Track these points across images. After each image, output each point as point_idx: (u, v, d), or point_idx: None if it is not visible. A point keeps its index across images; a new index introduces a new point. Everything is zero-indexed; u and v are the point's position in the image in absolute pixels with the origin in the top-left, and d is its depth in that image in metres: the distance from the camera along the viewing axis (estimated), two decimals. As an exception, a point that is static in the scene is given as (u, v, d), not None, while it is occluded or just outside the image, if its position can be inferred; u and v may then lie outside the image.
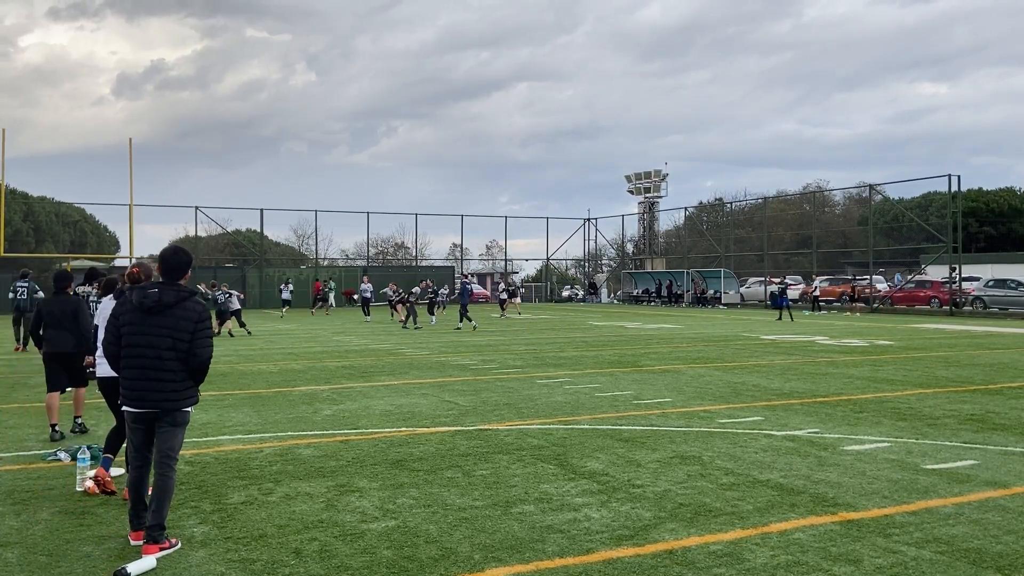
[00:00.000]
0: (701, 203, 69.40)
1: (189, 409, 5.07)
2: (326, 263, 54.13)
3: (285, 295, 36.52)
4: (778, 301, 31.98)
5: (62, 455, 7.32)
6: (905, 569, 4.53)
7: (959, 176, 37.90)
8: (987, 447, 7.71)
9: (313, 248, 55.63)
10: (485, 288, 57.35)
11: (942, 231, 38.45)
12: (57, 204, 51.64)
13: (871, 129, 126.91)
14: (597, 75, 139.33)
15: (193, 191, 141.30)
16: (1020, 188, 60.19)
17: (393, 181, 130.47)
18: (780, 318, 30.92)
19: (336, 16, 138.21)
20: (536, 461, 7.15)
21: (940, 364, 15.17)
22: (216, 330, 23.30)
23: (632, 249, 61.95)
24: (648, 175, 58.41)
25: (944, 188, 39.76)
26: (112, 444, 6.41)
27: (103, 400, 6.88)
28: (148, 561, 4.57)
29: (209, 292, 25.26)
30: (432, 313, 29.98)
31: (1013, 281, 35.75)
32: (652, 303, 50.26)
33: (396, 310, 32.09)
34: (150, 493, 5.01)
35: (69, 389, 8.82)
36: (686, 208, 57.60)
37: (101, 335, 6.22)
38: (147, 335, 4.94)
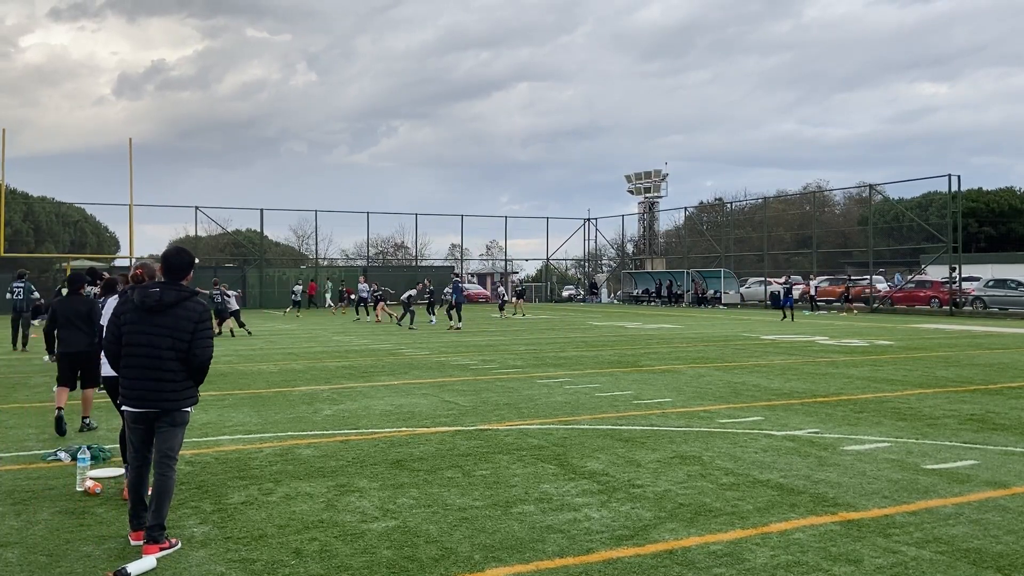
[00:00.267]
0: (701, 203, 69.46)
1: (189, 409, 5.07)
2: (326, 263, 54.12)
3: (297, 296, 36.86)
4: (783, 301, 31.82)
5: (62, 455, 7.32)
6: (905, 569, 4.53)
7: (959, 176, 37.90)
8: (987, 447, 7.71)
9: (313, 248, 55.66)
10: (485, 288, 57.34)
11: (942, 231, 38.44)
12: (57, 204, 51.62)
13: (871, 129, 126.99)
14: (597, 75, 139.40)
15: (193, 191, 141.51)
16: (1020, 188, 60.22)
17: (393, 181, 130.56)
18: (785, 317, 30.77)
19: (337, 16, 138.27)
20: (536, 461, 7.15)
21: (940, 364, 15.17)
22: (216, 330, 23.34)
23: (632, 249, 61.95)
24: (648, 175, 58.41)
25: (944, 188, 39.77)
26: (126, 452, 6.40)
27: (107, 400, 6.88)
28: (148, 561, 4.57)
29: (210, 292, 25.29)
30: (432, 313, 29.98)
31: (1013, 281, 35.74)
32: (652, 303, 50.26)
33: (369, 310, 32.05)
34: (150, 493, 5.02)
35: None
36: (686, 208, 57.65)
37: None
38: (147, 334, 4.94)
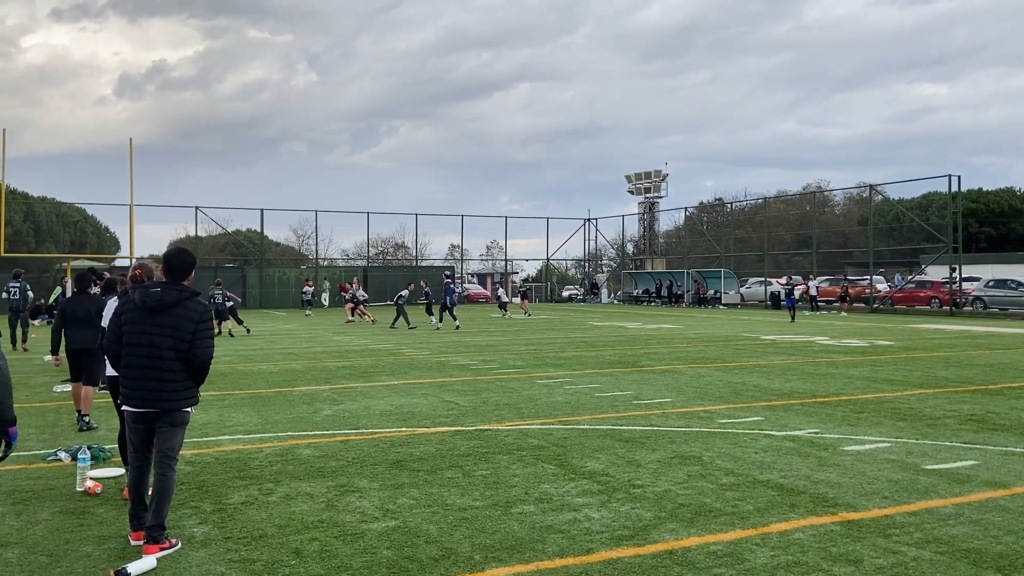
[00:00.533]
0: (701, 203, 69.43)
1: (189, 409, 5.08)
2: (326, 263, 54.11)
3: (307, 296, 37.03)
4: (786, 301, 31.67)
5: (62, 455, 7.32)
6: (905, 569, 4.53)
7: (959, 176, 37.87)
8: (987, 447, 7.71)
9: (313, 248, 55.66)
10: (485, 288, 57.34)
11: (942, 231, 38.43)
12: (57, 204, 51.63)
13: (871, 129, 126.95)
14: (597, 75, 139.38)
15: (194, 191, 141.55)
16: (1020, 188, 60.21)
17: (394, 181, 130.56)
18: (793, 319, 30.60)
19: (337, 17, 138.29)
20: (536, 461, 7.15)
21: (940, 364, 15.17)
22: (216, 329, 23.38)
23: (632, 249, 61.94)
24: (648, 175, 58.40)
25: (944, 188, 39.74)
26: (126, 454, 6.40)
27: (107, 400, 6.88)
28: (148, 561, 4.57)
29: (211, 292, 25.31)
30: (430, 313, 29.97)
31: (1013, 281, 35.72)
32: (652, 303, 50.25)
33: (348, 309, 31.96)
34: (150, 493, 5.02)
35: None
36: (686, 208, 57.67)
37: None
38: (148, 334, 4.94)
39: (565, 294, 60.69)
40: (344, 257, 60.20)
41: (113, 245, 56.52)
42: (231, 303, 24.48)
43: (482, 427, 8.82)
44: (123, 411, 5.14)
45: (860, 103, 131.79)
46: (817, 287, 39.93)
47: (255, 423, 9.10)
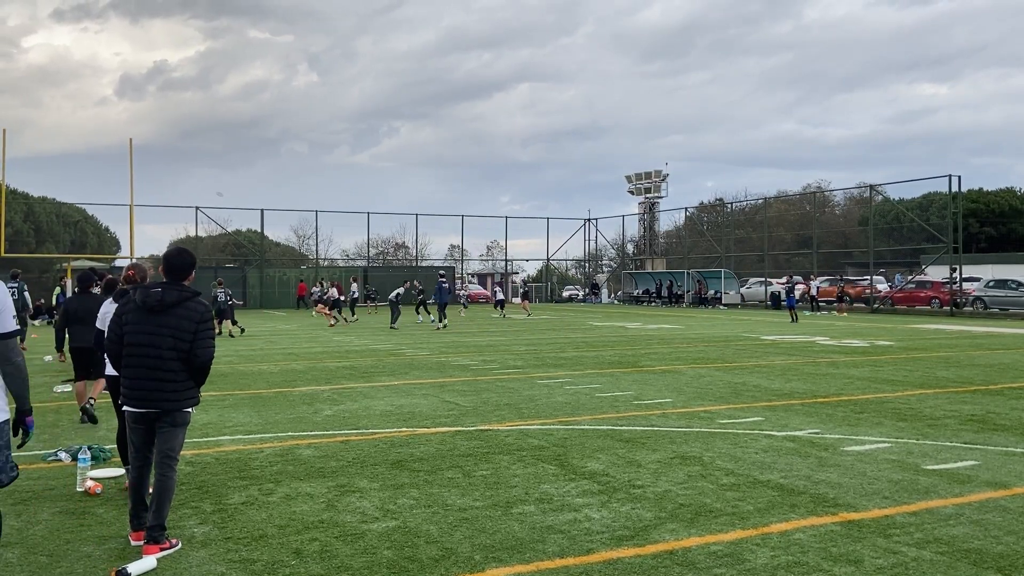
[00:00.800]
0: (701, 203, 69.45)
1: (190, 410, 5.07)
2: (326, 263, 54.11)
3: (316, 296, 37.12)
4: (787, 301, 31.54)
5: (62, 455, 7.32)
6: (906, 570, 4.52)
7: (959, 176, 37.85)
8: (988, 448, 7.71)
9: (313, 248, 55.67)
10: (486, 288, 57.33)
11: (942, 231, 38.42)
12: (58, 204, 51.63)
13: (871, 129, 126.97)
14: (598, 76, 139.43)
15: (194, 191, 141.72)
16: (1020, 188, 60.23)
17: (394, 181, 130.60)
18: (794, 319, 30.43)
19: (338, 17, 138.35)
20: (536, 461, 7.15)
21: (940, 364, 15.16)
22: (217, 329, 23.41)
23: (632, 249, 61.93)
24: (648, 175, 58.40)
25: (944, 188, 39.74)
26: (126, 454, 6.40)
27: (107, 400, 6.88)
28: (149, 561, 4.57)
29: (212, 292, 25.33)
30: (419, 312, 30.20)
31: (1013, 281, 35.72)
32: (652, 303, 50.25)
33: (319, 309, 31.93)
34: (150, 493, 5.02)
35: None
36: (686, 208, 57.69)
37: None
38: (149, 335, 4.94)
39: (565, 294, 60.70)
40: (344, 257, 60.25)
41: (113, 245, 56.52)
42: (232, 303, 24.49)
43: (482, 427, 8.82)
44: (123, 411, 5.14)
45: (860, 103, 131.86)
46: (817, 287, 39.95)
47: (255, 423, 9.10)
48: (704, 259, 52.88)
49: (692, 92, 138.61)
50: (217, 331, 23.21)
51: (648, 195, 58.63)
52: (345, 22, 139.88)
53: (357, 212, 56.45)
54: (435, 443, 7.96)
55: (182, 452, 5.45)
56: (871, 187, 45.98)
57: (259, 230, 50.11)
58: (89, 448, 6.76)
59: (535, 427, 8.80)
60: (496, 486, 6.31)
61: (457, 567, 4.58)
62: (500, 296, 37.30)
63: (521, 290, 41.40)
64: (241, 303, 24.50)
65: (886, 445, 7.81)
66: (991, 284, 36.82)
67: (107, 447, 7.50)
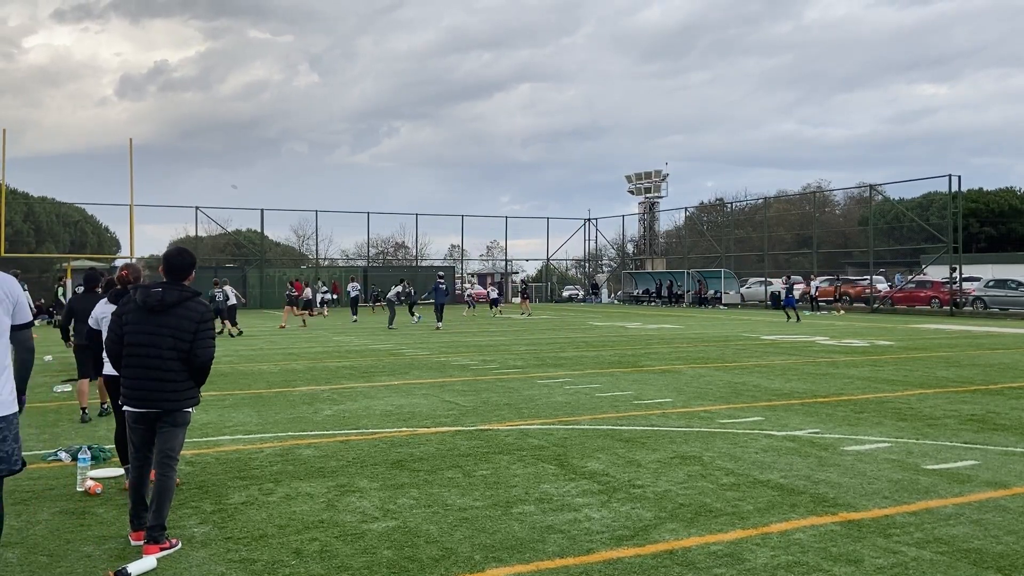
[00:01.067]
0: (702, 203, 69.41)
1: (190, 410, 5.08)
2: (326, 263, 54.11)
3: (328, 295, 37.32)
4: (785, 301, 31.37)
5: (62, 455, 7.32)
6: (906, 569, 4.53)
7: (959, 176, 37.84)
8: (987, 447, 7.71)
9: (313, 248, 55.67)
10: (485, 288, 57.32)
11: (942, 231, 38.42)
12: (58, 204, 51.63)
13: (871, 129, 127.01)
14: (598, 76, 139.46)
15: (194, 191, 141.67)
16: (1020, 188, 60.18)
17: (394, 181, 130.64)
18: (789, 318, 30.30)
19: (339, 17, 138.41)
20: (536, 461, 7.15)
21: (940, 364, 15.16)
22: (221, 328, 23.55)
23: (632, 249, 61.92)
24: (648, 175, 58.38)
25: (944, 188, 39.73)
26: (125, 454, 6.40)
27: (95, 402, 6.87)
28: (149, 561, 4.57)
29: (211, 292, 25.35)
30: (412, 313, 30.32)
31: (1013, 281, 35.71)
32: (652, 303, 50.24)
33: (292, 310, 31.88)
34: (150, 493, 5.02)
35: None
36: (686, 208, 57.62)
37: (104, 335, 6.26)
38: (149, 335, 4.94)
39: (565, 294, 60.67)
40: (344, 257, 60.23)
41: (113, 245, 56.51)
42: (234, 303, 24.52)
43: (482, 427, 8.82)
44: (123, 411, 5.14)
45: (860, 103, 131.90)
46: (817, 287, 39.94)
47: (255, 423, 9.10)
48: (704, 259, 52.87)
49: (692, 92, 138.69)
50: (221, 330, 23.32)
51: (648, 195, 58.61)
52: (345, 22, 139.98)
53: (357, 212, 56.49)
54: (435, 443, 7.96)
55: (182, 452, 5.46)
56: (871, 187, 45.98)
57: (259, 230, 50.13)
58: (89, 448, 6.76)
59: (535, 427, 8.80)
60: (496, 486, 6.32)
61: (457, 567, 4.58)
62: (494, 295, 37.61)
63: (520, 289, 41.51)
64: (244, 302, 24.50)
65: (886, 445, 7.81)
66: (991, 284, 36.82)
67: (107, 447, 7.50)
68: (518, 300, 39.76)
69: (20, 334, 4.21)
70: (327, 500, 5.95)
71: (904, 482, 6.39)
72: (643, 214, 59.57)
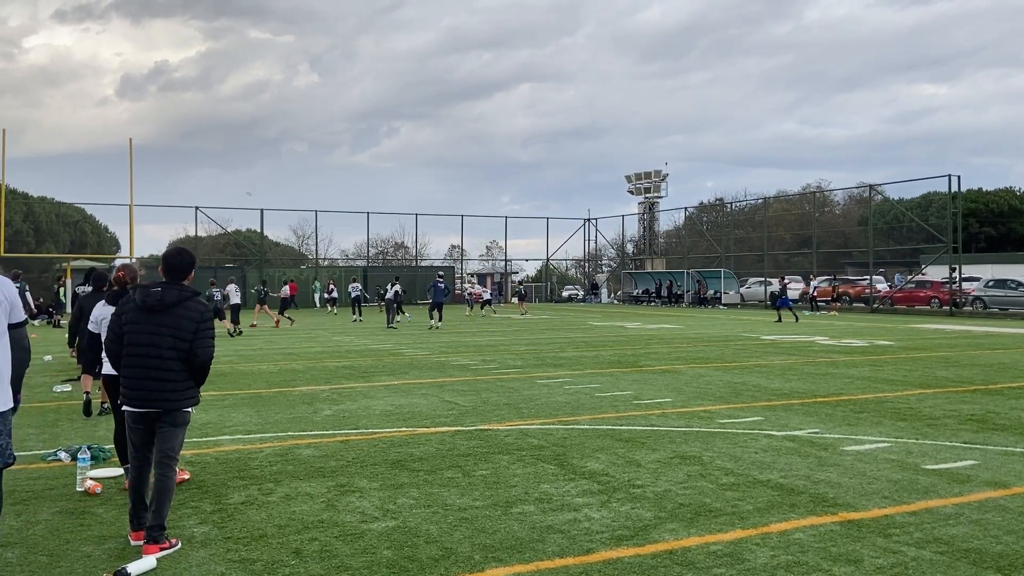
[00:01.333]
0: (701, 203, 69.39)
1: (190, 410, 5.07)
2: (326, 263, 54.10)
3: (336, 295, 37.48)
4: (779, 302, 31.20)
5: (62, 455, 7.32)
6: (905, 569, 4.53)
7: (959, 176, 37.84)
8: (987, 447, 7.71)
9: (313, 248, 55.65)
10: (486, 288, 57.33)
11: (942, 231, 38.42)
12: (57, 204, 51.62)
13: (871, 129, 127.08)
14: (598, 76, 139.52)
15: (194, 191, 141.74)
16: (1020, 188, 60.15)
17: (394, 181, 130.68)
18: (780, 319, 30.24)
19: (339, 18, 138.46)
20: (536, 461, 7.15)
21: (940, 364, 15.16)
22: (233, 327, 23.64)
23: (632, 249, 61.91)
24: (648, 175, 58.37)
25: (944, 188, 39.71)
26: (124, 453, 6.40)
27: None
28: (148, 561, 4.57)
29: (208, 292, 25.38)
30: (401, 311, 30.49)
31: (1013, 281, 35.71)
32: (652, 303, 50.24)
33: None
34: (150, 493, 5.01)
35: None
36: (686, 208, 57.61)
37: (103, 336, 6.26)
38: (149, 334, 4.94)
39: (565, 294, 60.67)
40: (344, 257, 60.23)
41: (113, 245, 56.50)
42: (237, 303, 24.61)
43: (482, 427, 8.82)
44: (123, 411, 5.14)
45: (860, 103, 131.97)
46: (816, 287, 39.93)
47: (255, 423, 9.10)
48: (704, 259, 52.86)
49: (692, 92, 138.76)
50: (233, 330, 23.40)
51: (648, 195, 58.60)
52: (346, 22, 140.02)
53: (357, 212, 56.42)
54: (435, 443, 7.96)
55: (182, 452, 5.46)
56: (871, 187, 45.97)
57: (259, 230, 50.11)
58: (89, 448, 6.76)
59: (535, 427, 8.80)
60: (496, 486, 6.32)
61: (457, 567, 4.58)
62: (487, 296, 37.92)
63: (516, 290, 41.67)
64: (237, 303, 24.49)
65: (886, 445, 7.81)
66: (991, 284, 36.82)
67: (107, 447, 7.50)
68: (516, 301, 39.92)
69: (14, 333, 4.32)
70: (327, 500, 5.95)
71: (904, 482, 6.39)
72: (643, 214, 59.56)
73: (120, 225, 52.65)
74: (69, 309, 31.24)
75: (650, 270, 55.68)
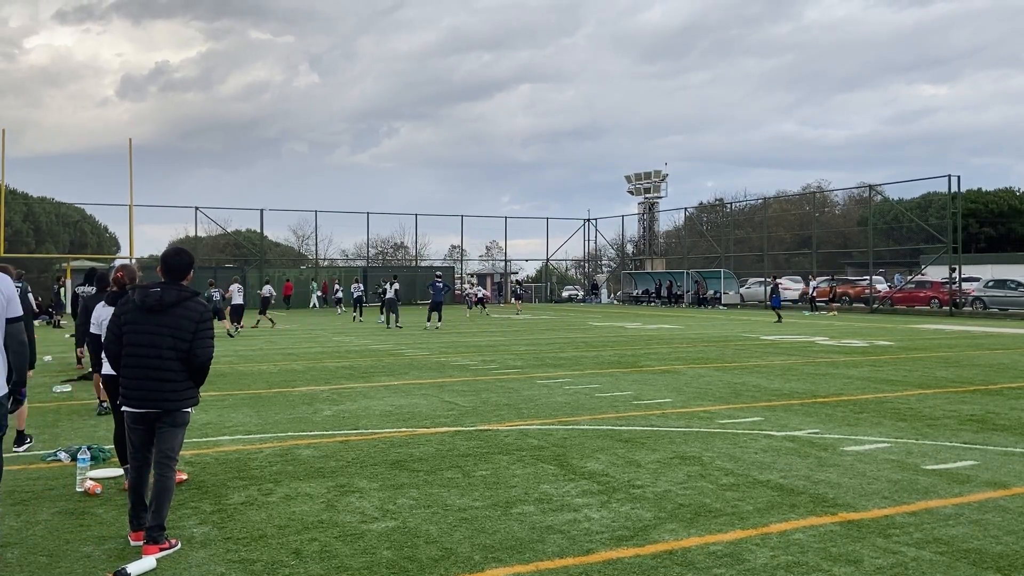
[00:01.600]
0: (701, 203, 69.38)
1: (189, 410, 5.07)
2: (326, 263, 54.10)
3: (341, 295, 37.65)
4: (773, 301, 31.29)
5: (62, 455, 7.32)
6: (905, 570, 4.52)
7: (959, 176, 37.82)
8: (987, 447, 7.71)
9: (313, 248, 55.65)
10: (485, 288, 57.32)
11: (942, 232, 38.42)
12: (57, 204, 51.63)
13: (871, 130, 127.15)
14: (598, 76, 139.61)
15: (194, 191, 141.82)
16: (1020, 188, 60.20)
17: (394, 181, 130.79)
18: (780, 319, 30.36)
19: (339, 18, 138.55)
20: (536, 461, 7.15)
21: (940, 364, 15.16)
22: (240, 324, 23.65)
23: (632, 249, 61.91)
24: (648, 175, 58.39)
25: (944, 188, 39.73)
26: (124, 454, 6.40)
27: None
28: (148, 561, 4.57)
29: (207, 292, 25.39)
30: (382, 312, 30.59)
31: (1013, 281, 35.71)
32: (652, 303, 50.24)
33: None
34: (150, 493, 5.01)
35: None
36: (686, 208, 57.60)
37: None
38: (149, 335, 4.94)
39: (565, 294, 60.67)
40: (344, 257, 60.23)
41: (113, 245, 56.53)
42: (239, 303, 24.62)
43: (482, 427, 8.82)
44: (123, 411, 5.14)
45: (860, 104, 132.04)
46: (815, 287, 39.92)
47: (255, 423, 9.09)
48: (704, 259, 52.86)
49: (692, 92, 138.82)
50: (241, 326, 23.41)
51: (648, 195, 58.62)
52: (346, 23, 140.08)
53: (357, 212, 56.44)
54: (435, 443, 7.95)
55: (181, 452, 5.46)
56: (871, 187, 45.97)
57: (259, 230, 50.11)
58: (88, 448, 6.76)
59: (535, 427, 8.80)
60: (496, 486, 6.31)
61: (457, 567, 4.58)
62: (479, 295, 38.16)
63: (514, 290, 41.82)
64: (240, 303, 24.49)
65: (885, 445, 7.81)
66: (990, 284, 36.82)
67: (106, 447, 7.50)
68: (515, 301, 40.07)
69: (11, 327, 4.43)
70: (327, 500, 5.94)
71: (904, 482, 6.39)
72: (643, 214, 59.56)
73: (120, 225, 52.74)
74: (69, 309, 31.25)
75: (650, 270, 55.68)
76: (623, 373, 13.84)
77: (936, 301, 37.56)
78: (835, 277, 45.52)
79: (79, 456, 6.36)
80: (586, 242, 61.00)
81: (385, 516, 5.55)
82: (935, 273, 40.27)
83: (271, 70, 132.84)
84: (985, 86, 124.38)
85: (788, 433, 8.40)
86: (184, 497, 5.99)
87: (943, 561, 4.65)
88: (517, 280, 51.47)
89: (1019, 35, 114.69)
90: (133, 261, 31.87)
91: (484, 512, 5.62)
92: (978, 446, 7.77)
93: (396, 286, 28.01)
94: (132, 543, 4.97)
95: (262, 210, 47.46)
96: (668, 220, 75.56)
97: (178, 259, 5.15)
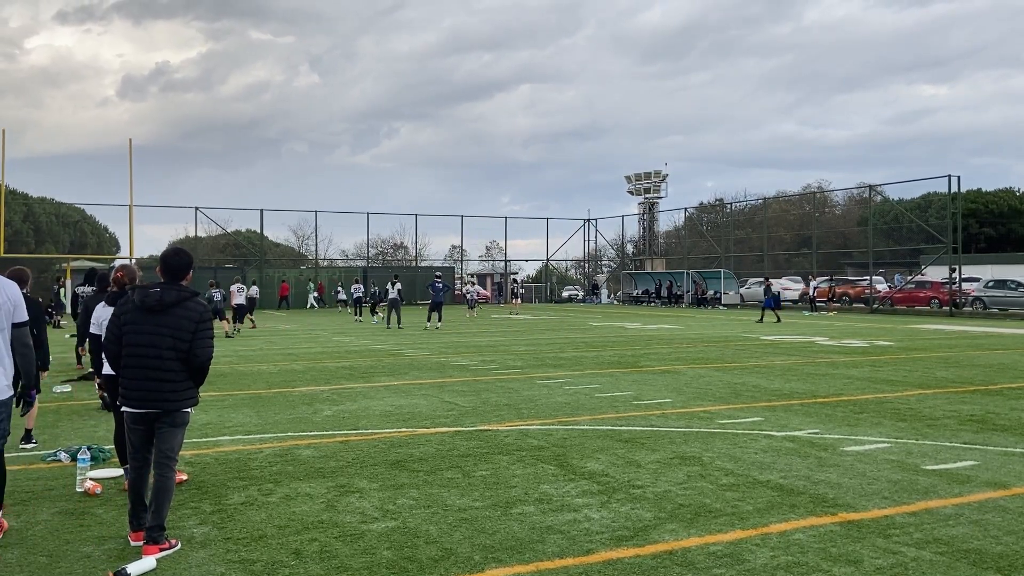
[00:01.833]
0: (701, 204, 69.39)
1: (189, 410, 5.07)
2: (326, 264, 54.10)
3: (358, 294, 37.68)
4: (765, 302, 31.17)
5: (62, 455, 7.32)
6: (905, 570, 4.52)
7: (959, 177, 37.82)
8: (987, 448, 7.71)
9: (313, 249, 55.65)
10: (486, 289, 57.33)
11: (942, 232, 38.42)
12: (57, 205, 51.63)
13: (871, 130, 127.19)
14: (598, 76, 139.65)
15: (194, 192, 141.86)
16: (1020, 189, 60.20)
17: (394, 182, 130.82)
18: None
19: (340, 18, 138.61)
20: (536, 462, 7.15)
21: (940, 365, 15.16)
22: (248, 324, 23.63)
23: (632, 250, 61.92)
24: (648, 176, 58.40)
25: (944, 189, 39.74)
26: (123, 454, 6.39)
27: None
28: (148, 562, 4.57)
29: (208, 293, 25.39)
30: (374, 313, 30.63)
31: (1013, 282, 35.71)
32: (652, 304, 50.24)
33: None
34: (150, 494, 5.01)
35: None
36: (686, 209, 57.60)
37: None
38: (149, 335, 4.94)
39: (565, 294, 60.66)
40: (344, 258, 60.23)
41: (113, 245, 56.53)
42: (241, 303, 24.64)
43: (482, 428, 8.82)
44: (122, 411, 5.14)
45: (860, 104, 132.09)
46: (815, 287, 39.93)
47: (255, 423, 9.09)
48: (704, 259, 52.86)
49: (692, 93, 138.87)
50: (249, 326, 23.40)
51: (648, 195, 58.63)
52: (346, 23, 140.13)
53: (357, 212, 56.45)
54: (435, 443, 7.95)
55: (181, 452, 5.46)
56: (870, 187, 45.98)
57: (259, 230, 50.12)
58: (88, 448, 6.76)
59: (535, 427, 8.80)
60: (496, 486, 6.31)
61: (457, 567, 4.58)
62: (473, 295, 38.17)
63: (511, 290, 41.90)
64: (220, 299, 24.40)
65: (885, 445, 7.81)
66: (990, 284, 36.82)
67: (106, 447, 7.50)
68: (514, 300, 40.07)
69: (17, 331, 4.59)
70: (327, 500, 5.94)
71: (904, 482, 6.39)
72: (643, 214, 59.58)
73: (120, 225, 52.75)
74: (69, 309, 31.23)
75: (650, 270, 55.68)
76: (623, 373, 13.84)
77: (936, 301, 37.56)
78: (835, 277, 45.53)
79: (79, 456, 6.36)
80: (586, 242, 61.08)
81: (385, 516, 5.55)
82: (935, 273, 40.28)
83: (271, 70, 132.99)
84: (985, 86, 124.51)
85: (788, 433, 8.40)
86: (184, 497, 5.99)
87: (943, 561, 4.65)
88: (515, 279, 51.49)
89: (1019, 35, 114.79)
90: (133, 261, 31.88)
91: (484, 512, 5.62)
92: (978, 446, 7.77)
93: (399, 286, 27.98)
94: (132, 543, 4.97)
95: (262, 210, 47.51)
96: (668, 220, 75.67)
97: (177, 259, 5.15)
